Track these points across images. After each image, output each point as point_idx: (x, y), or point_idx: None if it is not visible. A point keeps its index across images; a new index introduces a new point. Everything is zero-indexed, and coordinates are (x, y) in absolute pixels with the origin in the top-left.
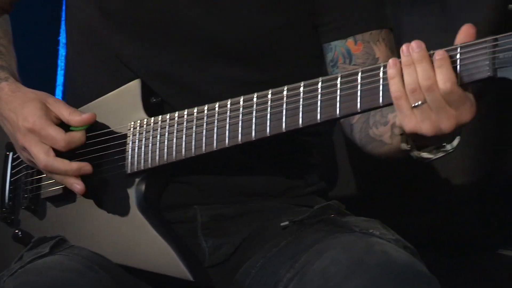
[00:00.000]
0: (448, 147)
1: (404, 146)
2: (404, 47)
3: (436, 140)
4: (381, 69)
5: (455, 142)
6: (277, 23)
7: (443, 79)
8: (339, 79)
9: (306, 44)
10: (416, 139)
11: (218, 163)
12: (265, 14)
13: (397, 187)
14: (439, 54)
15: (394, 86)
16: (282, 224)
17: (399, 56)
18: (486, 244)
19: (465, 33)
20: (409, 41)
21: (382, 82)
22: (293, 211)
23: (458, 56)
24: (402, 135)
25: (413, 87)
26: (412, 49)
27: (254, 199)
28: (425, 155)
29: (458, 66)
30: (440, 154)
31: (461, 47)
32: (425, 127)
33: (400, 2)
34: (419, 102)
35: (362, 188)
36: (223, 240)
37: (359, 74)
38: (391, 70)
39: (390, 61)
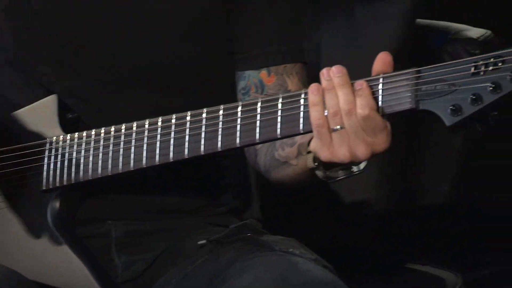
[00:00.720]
0: (355, 169)
1: (311, 164)
2: (324, 71)
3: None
4: (302, 96)
5: (362, 165)
6: (195, 50)
7: (363, 104)
8: (259, 103)
9: (223, 70)
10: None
11: (133, 179)
12: (183, 42)
13: (309, 206)
14: (358, 84)
15: (316, 114)
16: (199, 242)
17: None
18: (394, 258)
19: (382, 61)
20: (317, 56)
21: (303, 109)
22: (209, 230)
23: (380, 86)
24: (309, 153)
25: (334, 111)
26: (334, 74)
27: (168, 216)
28: (331, 175)
29: (380, 97)
30: (345, 176)
31: (384, 78)
32: (342, 153)
33: (308, 17)
34: (338, 127)
35: (277, 207)
36: (137, 256)
37: (280, 100)
38: (314, 97)
39: (313, 86)
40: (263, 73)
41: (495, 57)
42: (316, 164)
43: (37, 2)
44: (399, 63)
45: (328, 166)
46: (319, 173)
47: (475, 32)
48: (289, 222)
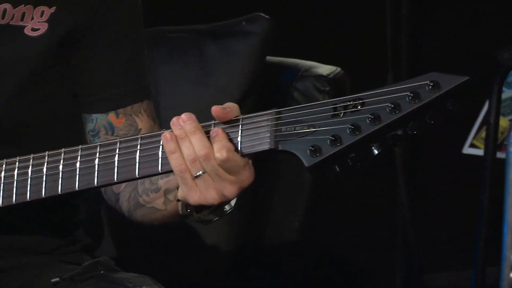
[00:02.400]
0: (227, 207)
1: (184, 211)
2: (174, 120)
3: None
4: (139, 141)
5: (233, 202)
6: (36, 98)
7: (219, 148)
8: (118, 144)
9: (67, 115)
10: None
11: None
12: (22, 91)
13: (162, 243)
14: (213, 132)
15: (176, 161)
16: (52, 280)
17: (165, 125)
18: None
19: (215, 114)
20: (168, 93)
21: (162, 149)
22: (62, 268)
23: (240, 127)
24: (180, 201)
25: (192, 158)
26: (184, 121)
27: (21, 254)
28: (205, 218)
29: (239, 137)
30: (219, 217)
31: (243, 119)
32: (210, 196)
33: (158, 52)
34: (200, 172)
35: (130, 244)
36: None
37: (139, 140)
38: (169, 145)
39: (166, 135)
40: (111, 115)
41: (355, 99)
42: (188, 210)
43: None
44: (249, 100)
45: (200, 208)
46: (192, 218)
47: (324, 69)
48: (143, 259)
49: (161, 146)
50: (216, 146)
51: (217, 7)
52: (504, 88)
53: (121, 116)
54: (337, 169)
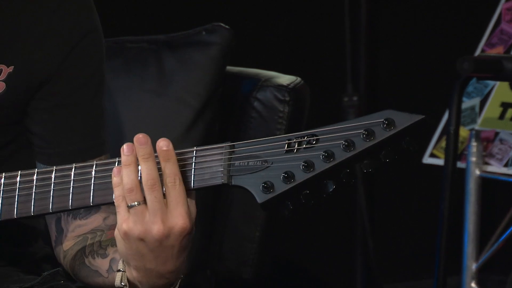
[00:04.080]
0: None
1: (118, 283)
2: (125, 147)
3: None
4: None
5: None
6: None
7: (170, 173)
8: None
9: (24, 162)
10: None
11: None
12: None
13: None
14: (164, 145)
15: (119, 191)
16: None
17: (120, 136)
18: None
19: (136, 142)
20: (127, 104)
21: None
22: (21, 278)
23: (193, 159)
24: (119, 272)
25: (130, 187)
26: (140, 144)
27: None
28: None
29: (192, 170)
30: None
31: (197, 151)
32: (137, 229)
33: (117, 62)
34: (135, 203)
35: None
36: None
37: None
38: (116, 179)
39: (115, 170)
40: None
41: (309, 135)
42: (123, 284)
43: None
44: (209, 110)
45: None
46: None
47: (284, 79)
48: None
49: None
50: (167, 170)
51: (176, 17)
52: (464, 98)
53: None
54: (290, 206)
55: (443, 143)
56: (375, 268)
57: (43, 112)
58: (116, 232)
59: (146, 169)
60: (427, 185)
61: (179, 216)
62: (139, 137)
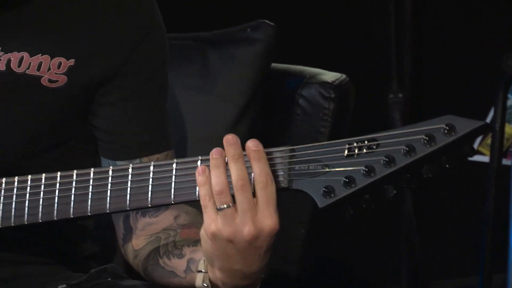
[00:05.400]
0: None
1: (200, 284)
2: (214, 151)
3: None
4: (174, 165)
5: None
6: (50, 144)
7: (260, 172)
8: (130, 170)
9: (77, 159)
10: (214, 280)
11: None
12: (36, 138)
13: None
14: (253, 145)
15: (205, 191)
16: (59, 287)
17: None
18: None
19: (225, 143)
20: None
21: (175, 179)
22: (68, 275)
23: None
24: (200, 273)
25: (220, 189)
26: (229, 144)
27: (25, 265)
28: None
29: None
30: None
31: None
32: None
33: None
34: (225, 205)
35: None
36: None
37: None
38: (201, 178)
39: (199, 169)
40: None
41: (369, 140)
42: (205, 285)
43: None
44: (253, 108)
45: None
46: None
47: (329, 76)
48: None
49: (173, 176)
50: (258, 170)
51: (221, 14)
52: (509, 95)
53: None
54: (351, 210)
55: (488, 140)
56: (421, 265)
57: (108, 106)
58: (202, 232)
59: (236, 170)
60: (473, 182)
61: (268, 216)
62: (228, 138)
